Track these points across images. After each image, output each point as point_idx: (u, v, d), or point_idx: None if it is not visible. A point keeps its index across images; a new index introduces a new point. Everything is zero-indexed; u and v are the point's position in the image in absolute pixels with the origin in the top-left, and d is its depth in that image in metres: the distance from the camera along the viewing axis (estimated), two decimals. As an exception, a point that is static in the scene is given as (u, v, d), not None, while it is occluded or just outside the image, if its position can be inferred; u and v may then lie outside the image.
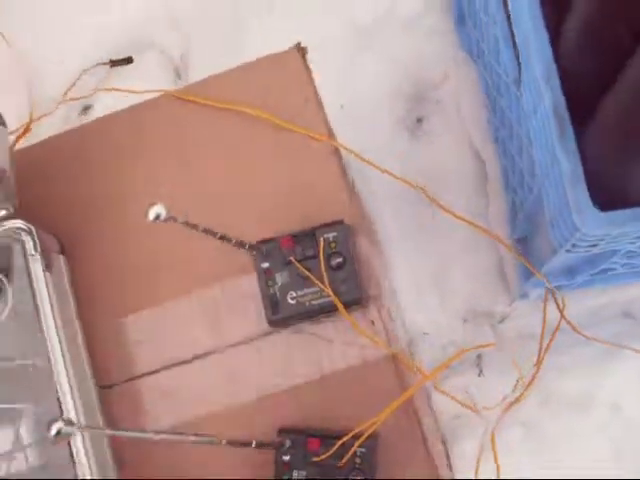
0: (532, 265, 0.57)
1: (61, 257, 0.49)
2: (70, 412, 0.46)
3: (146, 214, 0.31)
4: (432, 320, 0.64)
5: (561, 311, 0.57)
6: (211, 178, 0.50)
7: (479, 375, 0.63)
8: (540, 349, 0.56)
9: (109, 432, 0.27)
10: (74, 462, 0.45)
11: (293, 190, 0.49)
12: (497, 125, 0.63)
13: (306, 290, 0.45)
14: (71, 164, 0.53)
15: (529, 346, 0.60)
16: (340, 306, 0.43)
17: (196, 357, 0.48)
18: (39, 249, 0.46)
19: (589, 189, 0.43)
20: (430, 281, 0.64)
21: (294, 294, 0.45)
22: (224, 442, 0.33)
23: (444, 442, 0.62)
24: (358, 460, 0.43)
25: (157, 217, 0.30)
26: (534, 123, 0.49)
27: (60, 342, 0.46)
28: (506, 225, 0.60)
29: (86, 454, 0.45)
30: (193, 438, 0.32)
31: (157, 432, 0.30)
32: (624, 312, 0.64)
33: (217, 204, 0.49)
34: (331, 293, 0.44)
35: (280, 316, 0.45)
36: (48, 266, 0.46)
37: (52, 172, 0.52)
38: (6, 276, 0.46)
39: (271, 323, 0.45)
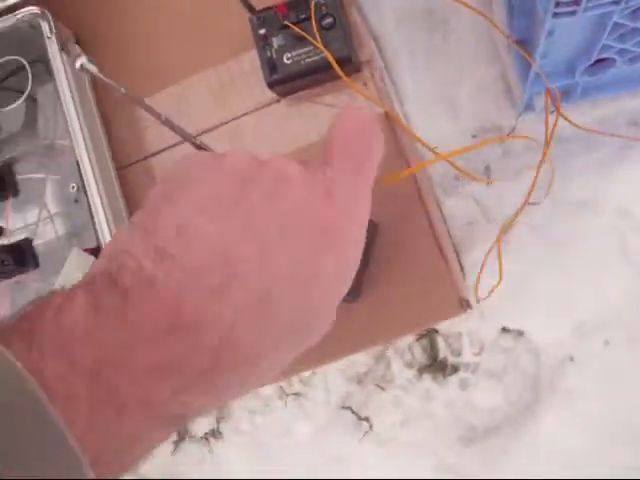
0: (531, 67, 0.58)
1: (76, 46, 0.52)
2: (91, 185, 0.50)
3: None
4: (442, 136, 0.65)
5: (557, 108, 0.57)
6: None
7: (487, 185, 0.65)
8: (546, 142, 0.57)
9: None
10: (94, 225, 0.49)
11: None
12: None
13: (300, 50, 0.47)
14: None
15: (537, 157, 0.61)
16: (331, 59, 0.46)
17: (204, 131, 0.51)
18: (54, 31, 0.49)
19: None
20: (439, 101, 0.66)
21: (289, 55, 0.47)
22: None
23: (456, 249, 0.64)
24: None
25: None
26: None
27: (79, 121, 0.50)
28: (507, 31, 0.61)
29: (105, 215, 0.49)
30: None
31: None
32: (629, 121, 0.65)
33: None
34: (323, 48, 0.46)
35: (278, 76, 0.48)
36: (64, 49, 0.50)
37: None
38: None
39: (270, 85, 0.48)
